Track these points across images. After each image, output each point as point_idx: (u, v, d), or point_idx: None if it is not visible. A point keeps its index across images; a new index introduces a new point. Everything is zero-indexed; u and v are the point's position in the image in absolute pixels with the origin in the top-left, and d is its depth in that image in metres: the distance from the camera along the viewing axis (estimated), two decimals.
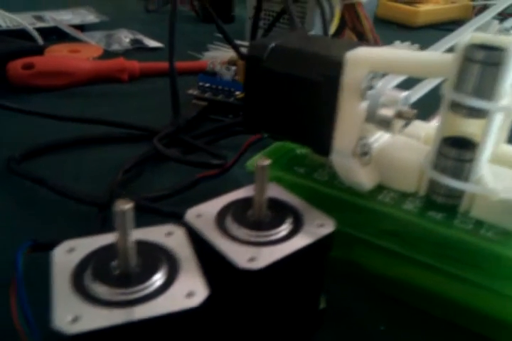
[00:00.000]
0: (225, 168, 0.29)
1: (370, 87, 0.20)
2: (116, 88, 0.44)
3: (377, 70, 0.20)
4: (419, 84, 0.24)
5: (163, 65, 0.47)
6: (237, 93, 0.38)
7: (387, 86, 0.21)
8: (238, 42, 0.48)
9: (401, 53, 0.20)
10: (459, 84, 0.18)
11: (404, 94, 0.21)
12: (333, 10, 0.42)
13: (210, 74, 0.39)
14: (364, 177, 0.21)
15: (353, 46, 0.21)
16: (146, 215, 0.24)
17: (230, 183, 0.29)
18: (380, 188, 0.22)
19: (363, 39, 0.41)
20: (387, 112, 0.21)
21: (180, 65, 0.46)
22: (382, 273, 0.22)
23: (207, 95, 0.39)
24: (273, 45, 0.22)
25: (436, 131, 0.20)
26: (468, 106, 0.18)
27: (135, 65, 0.46)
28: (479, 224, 0.19)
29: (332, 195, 0.22)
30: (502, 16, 0.66)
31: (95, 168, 0.31)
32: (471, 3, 0.77)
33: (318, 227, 0.18)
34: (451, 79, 0.18)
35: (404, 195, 0.21)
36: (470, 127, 0.19)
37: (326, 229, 0.18)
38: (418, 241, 0.20)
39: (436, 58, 0.19)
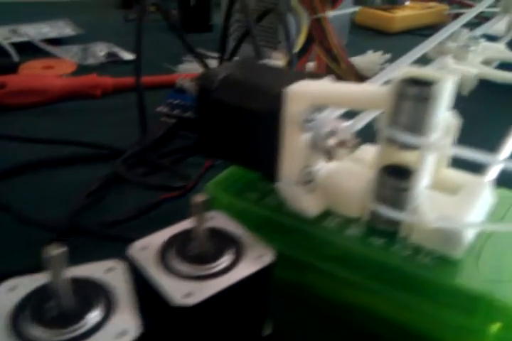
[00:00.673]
0: (187, 190, 0.29)
1: (312, 119, 0.21)
2: (88, 104, 0.45)
3: (316, 104, 0.20)
4: (365, 112, 0.25)
5: (146, 79, 0.48)
6: None
7: (330, 116, 0.21)
8: (212, 54, 0.49)
9: (339, 87, 0.20)
10: (392, 119, 0.19)
11: (346, 123, 0.22)
12: (299, 25, 0.43)
13: (180, 91, 0.40)
14: (309, 204, 0.22)
15: (297, 79, 0.21)
16: (106, 243, 0.25)
17: None
18: (326, 213, 0.22)
19: (330, 54, 0.42)
20: (329, 142, 0.21)
21: (152, 79, 0.47)
22: (332, 296, 0.22)
23: (176, 112, 0.39)
24: (222, 75, 0.23)
25: (375, 160, 0.20)
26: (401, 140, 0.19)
27: (108, 80, 0.46)
28: (418, 250, 0.20)
29: (279, 221, 0.22)
30: (478, 19, 0.66)
31: (62, 190, 0.32)
32: (447, 8, 0.78)
33: (257, 258, 0.18)
34: (386, 114, 0.19)
35: (349, 220, 0.22)
36: (407, 156, 0.20)
37: (265, 260, 0.18)
38: (361, 266, 0.21)
39: (372, 92, 0.19)
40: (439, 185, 0.22)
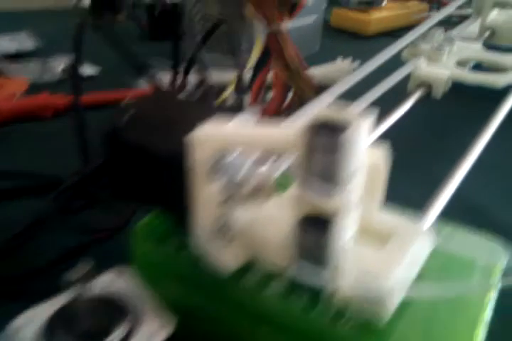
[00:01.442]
0: (119, 229, 0.27)
1: (224, 164, 0.19)
2: (37, 127, 0.42)
3: (224, 149, 0.18)
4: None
5: (94, 97, 0.46)
6: None
7: (245, 159, 0.19)
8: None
9: (249, 130, 0.18)
10: (305, 166, 0.17)
11: (265, 167, 0.20)
12: (252, 38, 0.41)
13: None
14: (226, 258, 0.20)
15: (211, 116, 0.19)
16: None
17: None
18: (249, 265, 0.20)
19: (288, 68, 0.40)
20: (245, 188, 0.19)
21: (98, 97, 0.45)
22: None
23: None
24: (131, 113, 0.21)
25: (292, 209, 0.18)
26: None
27: (60, 99, 0.44)
28: (341, 312, 0.18)
29: (196, 275, 0.20)
30: (459, 19, 0.64)
31: None
32: (427, 7, 0.76)
33: (153, 333, 0.16)
34: (299, 160, 0.17)
35: (272, 274, 0.20)
36: (326, 206, 0.18)
37: (160, 335, 0.16)
38: (280, 329, 0.19)
39: (283, 138, 0.17)
40: (369, 232, 0.20)
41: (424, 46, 0.41)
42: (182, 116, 0.21)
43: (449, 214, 0.24)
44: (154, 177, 0.20)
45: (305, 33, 0.58)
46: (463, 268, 0.22)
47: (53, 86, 0.50)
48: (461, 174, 0.27)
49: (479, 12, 0.49)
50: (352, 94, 0.34)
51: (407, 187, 0.35)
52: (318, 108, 0.16)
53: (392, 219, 0.21)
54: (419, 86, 0.37)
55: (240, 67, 0.34)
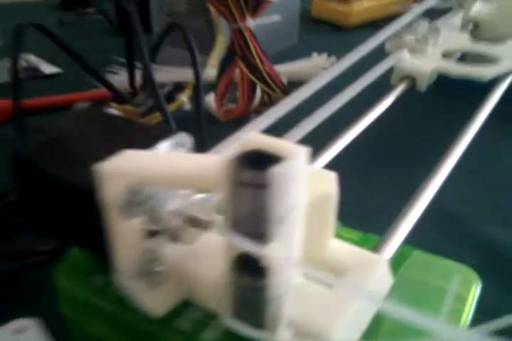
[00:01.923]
0: (56, 254, 0.25)
1: (142, 198, 0.16)
2: None
3: (138, 183, 0.16)
4: None
5: (51, 99, 0.43)
6: None
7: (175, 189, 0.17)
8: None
9: (165, 165, 0.15)
10: (231, 204, 0.14)
11: (199, 196, 0.17)
12: (214, 36, 0.38)
13: None
14: (153, 302, 0.17)
15: (132, 143, 0.17)
16: None
17: None
18: (183, 306, 0.18)
19: (254, 68, 0.37)
20: (173, 222, 0.17)
21: (46, 100, 0.42)
22: None
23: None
24: (43, 138, 0.18)
25: (224, 249, 0.16)
26: None
27: (6, 104, 0.41)
28: None
29: (123, 319, 0.18)
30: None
31: None
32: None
33: None
34: (224, 197, 0.14)
35: (208, 317, 0.17)
36: (258, 252, 0.15)
37: None
38: None
39: (205, 174, 0.15)
40: (321, 267, 0.17)
41: (408, 37, 0.38)
42: (104, 139, 0.18)
43: (423, 225, 0.22)
44: (66, 211, 0.17)
45: (281, 26, 0.55)
46: (433, 298, 0.20)
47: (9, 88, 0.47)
48: (437, 183, 0.25)
49: (461, 4, 0.46)
50: (334, 88, 0.31)
51: (381, 197, 0.33)
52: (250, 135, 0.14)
53: (347, 250, 0.18)
54: (402, 79, 0.35)
55: (197, 67, 0.31)
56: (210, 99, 0.41)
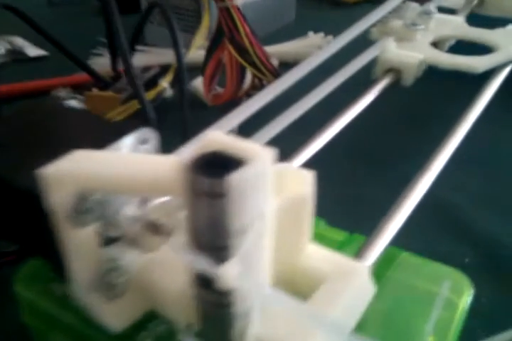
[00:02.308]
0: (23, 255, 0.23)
1: (94, 206, 0.14)
2: None
3: (87, 189, 0.14)
4: None
5: (29, 84, 0.41)
6: None
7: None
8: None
9: (117, 168, 0.14)
10: (188, 214, 0.13)
11: (161, 199, 0.16)
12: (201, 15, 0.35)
13: None
14: (112, 315, 0.16)
15: (89, 142, 0.15)
16: None
17: None
18: (144, 321, 0.16)
19: (243, 50, 0.35)
20: (132, 228, 0.15)
21: (40, 83, 0.40)
22: None
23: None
24: None
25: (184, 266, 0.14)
26: None
27: None
28: None
29: (83, 329, 0.16)
30: None
31: None
32: None
33: None
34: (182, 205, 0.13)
35: (174, 330, 0.16)
36: (217, 272, 0.14)
37: None
38: None
39: (161, 177, 0.13)
40: (296, 276, 0.16)
41: (396, 23, 0.34)
42: (59, 136, 0.16)
43: (417, 218, 0.20)
44: (18, 215, 0.16)
45: (277, 2, 0.53)
46: (421, 303, 0.18)
47: None
48: (432, 174, 0.23)
49: None
50: (311, 81, 0.29)
51: (374, 188, 0.31)
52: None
53: (325, 257, 0.16)
54: (387, 71, 0.31)
55: (179, 50, 0.29)
56: (198, 83, 0.39)
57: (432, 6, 0.36)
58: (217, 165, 0.12)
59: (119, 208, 0.15)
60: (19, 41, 0.50)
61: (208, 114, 0.38)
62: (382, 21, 0.34)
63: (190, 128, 0.33)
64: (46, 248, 0.16)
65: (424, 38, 0.34)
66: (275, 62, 0.36)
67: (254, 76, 0.36)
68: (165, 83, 0.31)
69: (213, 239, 0.12)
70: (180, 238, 0.14)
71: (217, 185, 0.11)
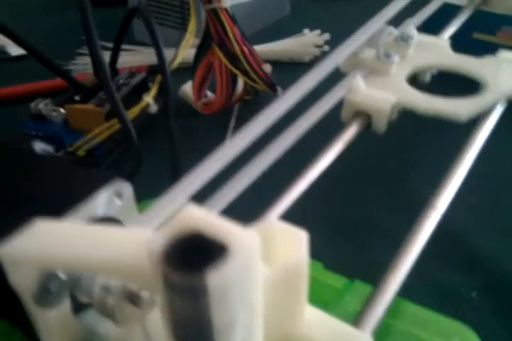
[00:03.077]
0: None
1: (63, 283, 0.13)
2: None
3: (50, 269, 0.12)
4: None
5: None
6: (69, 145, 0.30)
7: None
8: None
9: (88, 245, 0.12)
10: (164, 311, 0.11)
11: None
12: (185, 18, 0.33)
13: (37, 119, 0.31)
14: None
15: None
16: None
17: None
18: None
19: (232, 57, 0.33)
20: (107, 299, 0.14)
21: (14, 90, 0.38)
22: None
23: (35, 147, 0.31)
24: None
25: None
26: None
27: None
28: None
29: None
30: None
31: None
32: None
33: None
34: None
35: None
36: None
37: None
38: None
39: (133, 261, 0.11)
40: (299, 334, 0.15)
41: (367, 53, 0.28)
42: (23, 190, 0.14)
43: None
44: None
45: None
46: None
47: None
48: (436, 216, 0.21)
49: None
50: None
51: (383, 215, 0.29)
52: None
53: (324, 326, 0.15)
54: (356, 115, 0.26)
55: (162, 59, 0.27)
56: (188, 88, 0.37)
57: (410, 29, 0.30)
58: (196, 254, 0.10)
59: (92, 277, 0.13)
60: (1, 39, 0.48)
61: (198, 123, 0.36)
62: (353, 52, 0.28)
63: (181, 137, 0.31)
64: (14, 312, 0.15)
65: (400, 70, 0.29)
66: (268, 69, 0.34)
67: (245, 84, 0.34)
68: (149, 98, 0.29)
69: (195, 335, 0.11)
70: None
71: (195, 282, 0.10)
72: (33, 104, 0.31)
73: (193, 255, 0.10)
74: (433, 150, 0.33)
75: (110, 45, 0.35)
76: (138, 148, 0.25)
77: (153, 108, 0.29)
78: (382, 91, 0.27)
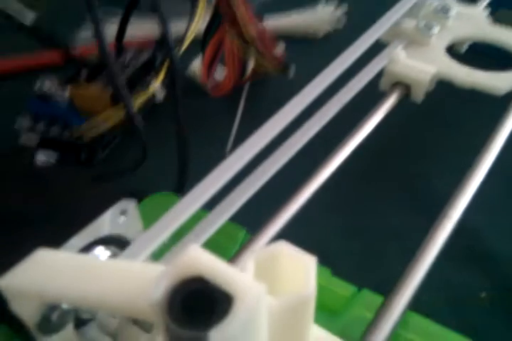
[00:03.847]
0: None
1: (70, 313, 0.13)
2: None
3: (55, 302, 0.12)
4: None
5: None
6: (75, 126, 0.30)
7: None
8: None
9: (89, 278, 0.12)
10: None
11: None
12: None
13: (43, 98, 0.31)
14: None
15: None
16: None
17: None
18: None
19: (243, 40, 0.31)
20: (111, 320, 0.14)
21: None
22: None
23: (39, 127, 0.30)
24: None
25: None
26: None
27: None
28: None
29: None
30: None
31: None
32: None
33: None
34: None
35: None
36: None
37: None
38: None
39: (136, 300, 0.11)
40: None
41: (408, 24, 0.29)
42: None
43: None
44: None
45: None
46: None
47: None
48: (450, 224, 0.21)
49: None
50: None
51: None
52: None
53: None
54: (395, 85, 0.27)
55: (169, 42, 0.26)
56: (196, 66, 0.36)
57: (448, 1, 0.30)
58: (199, 304, 0.10)
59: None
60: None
61: (206, 104, 0.35)
62: (395, 22, 0.29)
63: (189, 120, 0.31)
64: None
65: (439, 41, 0.29)
66: (281, 49, 0.32)
67: (255, 67, 0.33)
68: (156, 84, 0.28)
69: None
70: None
71: (198, 337, 0.10)
72: (38, 83, 0.30)
73: (197, 304, 0.10)
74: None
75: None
76: (144, 141, 0.24)
77: (160, 95, 0.28)
78: (422, 61, 0.28)
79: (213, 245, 0.17)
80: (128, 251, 0.15)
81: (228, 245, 0.20)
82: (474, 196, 0.23)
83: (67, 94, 0.30)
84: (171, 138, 0.27)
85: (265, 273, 0.13)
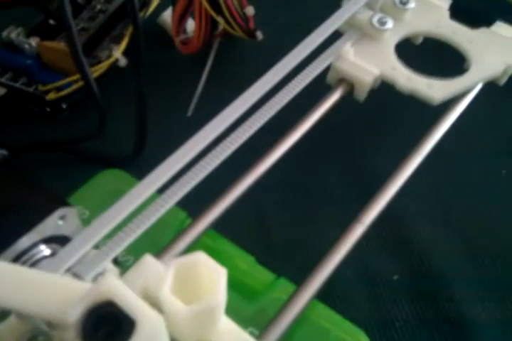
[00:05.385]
0: None
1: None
2: None
3: None
4: None
5: None
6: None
7: None
8: None
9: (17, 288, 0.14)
10: None
11: None
12: None
13: (10, 47, 0.31)
14: None
15: None
16: None
17: None
18: None
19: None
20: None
21: None
22: None
23: (6, 77, 0.31)
24: None
25: None
26: None
27: None
28: None
29: None
30: None
31: None
32: None
33: None
34: None
35: None
36: None
37: None
38: None
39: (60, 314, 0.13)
40: None
41: (363, 16, 0.27)
42: None
43: None
44: None
45: None
46: None
47: None
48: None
49: None
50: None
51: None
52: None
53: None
54: (341, 80, 0.27)
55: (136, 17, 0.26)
56: (167, 16, 0.36)
57: None
58: (107, 326, 0.13)
59: None
60: None
61: (173, 56, 0.35)
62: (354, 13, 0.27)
63: (154, 76, 0.31)
64: None
65: (392, 37, 0.28)
66: (250, 12, 0.32)
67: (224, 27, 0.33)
68: (117, 53, 0.28)
69: None
70: None
71: None
72: (5, 33, 0.31)
73: (105, 326, 0.13)
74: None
75: None
76: (103, 110, 0.25)
77: (122, 62, 0.28)
78: (369, 60, 0.27)
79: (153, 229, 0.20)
80: (68, 247, 0.17)
81: (168, 228, 0.22)
82: (407, 183, 0.25)
83: (34, 46, 0.30)
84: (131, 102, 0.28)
85: (185, 278, 0.16)
